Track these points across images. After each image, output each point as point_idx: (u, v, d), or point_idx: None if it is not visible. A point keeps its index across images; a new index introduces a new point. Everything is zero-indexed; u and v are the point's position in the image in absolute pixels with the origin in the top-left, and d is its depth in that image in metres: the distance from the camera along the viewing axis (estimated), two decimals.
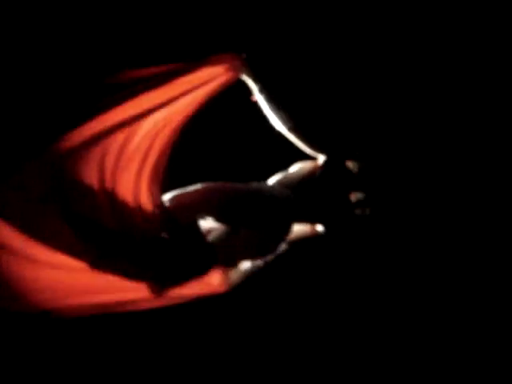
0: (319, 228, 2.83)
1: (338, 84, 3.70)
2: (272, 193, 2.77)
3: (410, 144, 3.72)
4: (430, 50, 3.76)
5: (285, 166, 2.91)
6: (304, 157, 2.86)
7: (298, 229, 2.83)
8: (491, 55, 3.74)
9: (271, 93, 2.73)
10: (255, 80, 2.72)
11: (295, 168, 2.88)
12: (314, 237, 2.84)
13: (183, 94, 2.59)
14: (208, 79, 2.61)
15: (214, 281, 2.75)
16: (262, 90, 2.72)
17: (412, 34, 3.73)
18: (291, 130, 2.75)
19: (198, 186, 2.74)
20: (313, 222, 2.84)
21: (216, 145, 3.66)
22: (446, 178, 3.76)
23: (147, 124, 2.58)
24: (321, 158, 2.82)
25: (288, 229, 2.77)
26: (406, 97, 3.75)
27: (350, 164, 2.82)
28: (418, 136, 3.75)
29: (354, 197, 2.79)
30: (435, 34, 3.75)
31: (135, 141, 2.57)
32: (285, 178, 2.86)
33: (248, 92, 2.76)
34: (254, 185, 2.79)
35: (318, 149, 2.81)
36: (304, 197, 2.81)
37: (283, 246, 2.75)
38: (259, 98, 2.74)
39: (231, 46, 2.73)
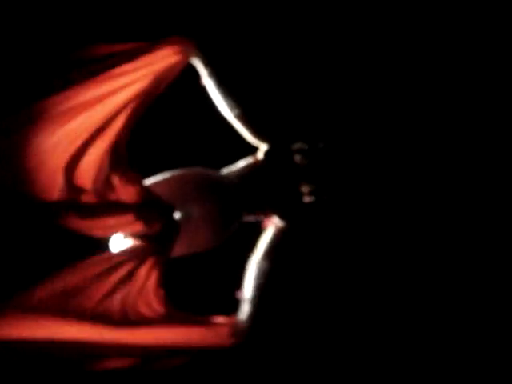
0: (276, 221, 2.84)
1: (289, 74, 3.71)
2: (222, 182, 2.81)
3: (361, 136, 3.75)
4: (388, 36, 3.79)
5: (231, 153, 2.91)
6: (248, 146, 2.87)
7: (264, 239, 2.83)
8: (485, 55, 3.78)
9: (220, 78, 2.73)
10: (205, 64, 2.72)
11: (241, 163, 2.90)
12: (279, 235, 2.83)
13: (129, 74, 2.59)
14: (156, 60, 2.60)
15: (220, 332, 2.71)
16: (211, 75, 2.72)
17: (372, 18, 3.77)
18: (237, 117, 2.76)
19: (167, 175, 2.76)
20: (265, 213, 2.86)
21: (163, 131, 3.65)
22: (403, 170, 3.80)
23: (96, 111, 2.57)
24: (262, 148, 2.84)
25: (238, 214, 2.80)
26: (355, 85, 3.77)
27: (297, 157, 2.84)
28: (367, 127, 3.77)
29: (305, 188, 2.82)
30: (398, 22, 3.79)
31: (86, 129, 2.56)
32: (231, 171, 2.88)
33: (198, 77, 2.76)
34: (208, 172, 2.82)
35: (263, 138, 2.83)
36: (250, 188, 2.84)
37: (265, 264, 2.76)
38: (208, 83, 2.74)
39: (183, 31, 2.73)
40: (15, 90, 2.50)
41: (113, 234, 2.67)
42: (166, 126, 3.64)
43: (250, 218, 2.89)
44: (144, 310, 2.64)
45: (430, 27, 3.74)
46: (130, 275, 2.60)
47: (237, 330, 2.72)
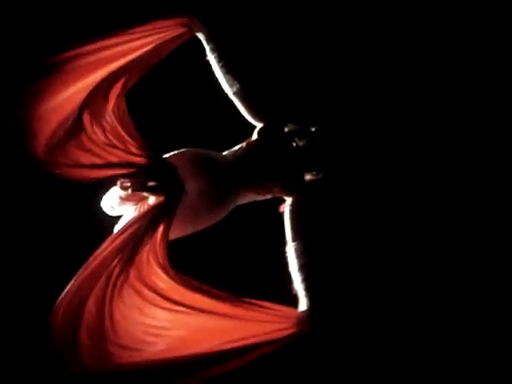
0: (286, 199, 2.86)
1: (291, 55, 3.74)
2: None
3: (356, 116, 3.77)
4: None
5: (233, 138, 2.94)
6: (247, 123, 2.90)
7: (286, 223, 2.83)
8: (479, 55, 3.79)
9: (222, 54, 2.76)
10: (208, 40, 2.75)
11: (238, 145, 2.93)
12: (296, 211, 2.82)
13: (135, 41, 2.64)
14: (160, 30, 2.66)
15: (288, 323, 2.66)
16: (213, 50, 2.76)
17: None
18: (236, 93, 2.79)
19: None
20: (264, 187, 2.87)
21: (168, 114, 3.69)
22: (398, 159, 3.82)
23: (99, 73, 2.64)
24: (258, 126, 2.87)
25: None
26: (353, 69, 3.79)
27: (293, 136, 2.87)
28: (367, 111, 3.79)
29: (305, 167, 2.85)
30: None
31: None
32: (228, 152, 2.91)
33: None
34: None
35: (259, 117, 2.85)
36: (245, 164, 2.86)
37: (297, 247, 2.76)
38: (210, 58, 2.78)
39: (189, 7, 2.77)
40: (25, 49, 2.56)
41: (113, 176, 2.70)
42: (172, 111, 3.69)
43: (251, 195, 2.90)
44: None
45: (427, 20, 3.77)
46: (137, 248, 2.63)
47: (304, 320, 2.66)
